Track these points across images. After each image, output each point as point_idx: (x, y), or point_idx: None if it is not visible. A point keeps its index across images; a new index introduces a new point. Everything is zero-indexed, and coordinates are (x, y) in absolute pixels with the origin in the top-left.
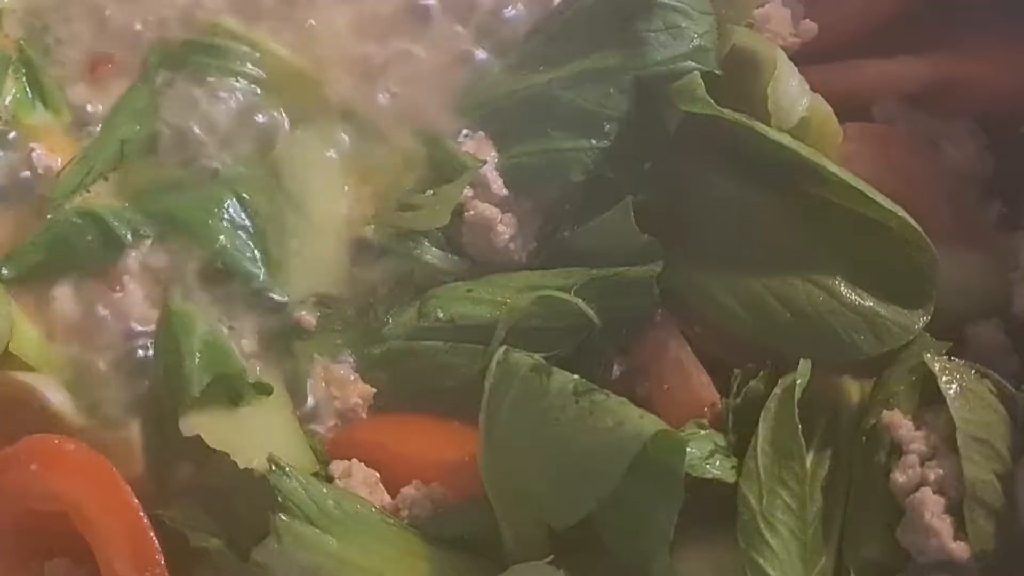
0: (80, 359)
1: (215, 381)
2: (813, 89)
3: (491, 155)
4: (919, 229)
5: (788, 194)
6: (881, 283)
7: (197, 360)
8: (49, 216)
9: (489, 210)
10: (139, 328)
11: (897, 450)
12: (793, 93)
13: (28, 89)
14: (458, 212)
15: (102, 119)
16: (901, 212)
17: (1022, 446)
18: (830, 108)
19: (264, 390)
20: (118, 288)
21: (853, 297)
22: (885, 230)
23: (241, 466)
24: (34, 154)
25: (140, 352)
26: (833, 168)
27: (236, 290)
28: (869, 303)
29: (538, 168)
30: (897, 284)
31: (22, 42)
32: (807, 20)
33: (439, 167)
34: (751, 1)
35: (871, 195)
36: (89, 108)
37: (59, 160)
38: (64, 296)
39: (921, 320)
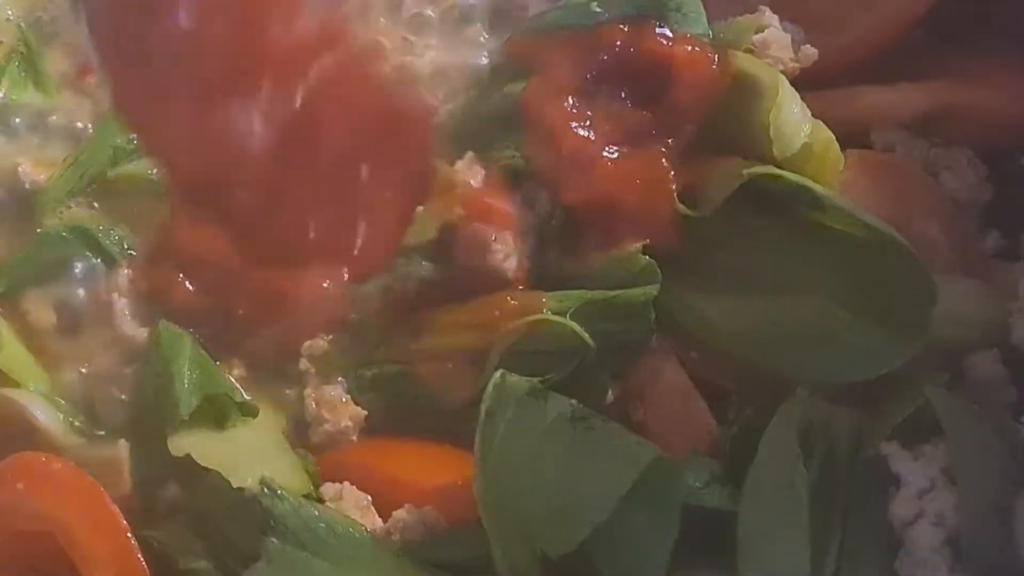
0: (68, 376)
1: (203, 402)
2: (812, 115)
3: (482, 173)
4: (917, 257)
5: (786, 219)
6: (878, 309)
7: (187, 381)
8: (39, 231)
9: (483, 230)
10: (128, 347)
11: (895, 482)
12: (795, 119)
13: (22, 72)
14: (452, 231)
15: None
16: (900, 239)
17: (1020, 478)
18: (831, 135)
19: (250, 411)
20: (107, 305)
21: (850, 322)
22: (883, 257)
23: (234, 485)
24: (20, 169)
25: (128, 371)
26: (832, 194)
27: None
28: (865, 328)
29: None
30: (894, 310)
31: (21, 25)
32: (807, 46)
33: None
34: (750, 26)
35: (870, 222)
36: (77, 115)
37: (43, 177)
38: (52, 312)
39: (917, 346)
